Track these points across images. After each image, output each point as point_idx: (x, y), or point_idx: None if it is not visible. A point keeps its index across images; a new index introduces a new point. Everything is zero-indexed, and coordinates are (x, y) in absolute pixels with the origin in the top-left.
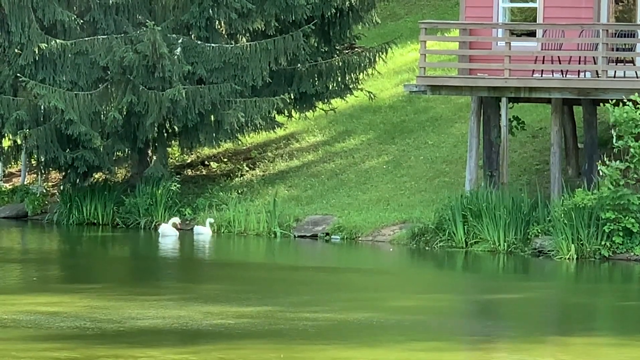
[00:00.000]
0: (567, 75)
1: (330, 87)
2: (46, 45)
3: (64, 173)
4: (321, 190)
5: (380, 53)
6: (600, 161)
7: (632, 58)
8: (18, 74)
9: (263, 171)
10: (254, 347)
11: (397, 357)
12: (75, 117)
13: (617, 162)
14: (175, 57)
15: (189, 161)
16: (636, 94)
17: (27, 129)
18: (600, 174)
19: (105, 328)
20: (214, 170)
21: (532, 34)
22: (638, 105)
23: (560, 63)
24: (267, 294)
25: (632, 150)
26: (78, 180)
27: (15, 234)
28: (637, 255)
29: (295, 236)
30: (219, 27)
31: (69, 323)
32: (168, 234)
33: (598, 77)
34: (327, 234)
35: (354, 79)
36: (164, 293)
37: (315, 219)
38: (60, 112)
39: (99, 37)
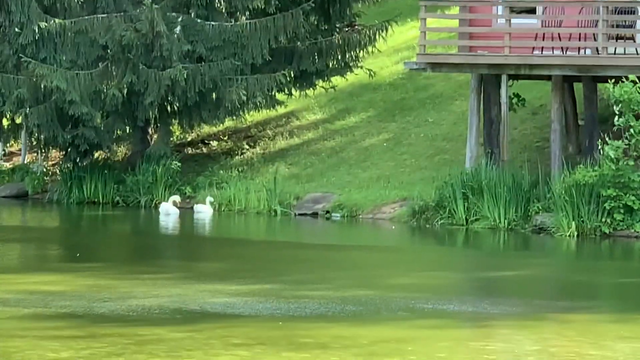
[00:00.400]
0: (567, 52)
1: (331, 65)
2: (46, 24)
3: (64, 152)
4: (321, 168)
5: (380, 31)
6: (600, 139)
7: (632, 35)
8: (20, 54)
9: (263, 149)
10: (257, 325)
11: (400, 335)
12: (77, 97)
13: (619, 141)
14: (175, 35)
15: (189, 140)
16: (634, 75)
17: (28, 107)
18: (601, 152)
19: (108, 307)
20: (214, 148)
21: (532, 11)
22: (638, 85)
23: (560, 40)
24: (268, 272)
25: (632, 128)
26: (78, 158)
27: (16, 213)
28: (638, 232)
29: (295, 214)
30: (218, 5)
31: (72, 302)
32: (169, 213)
33: (598, 54)
34: (328, 211)
35: (354, 57)
36: (165, 271)
37: (316, 196)
38: (62, 91)
39: (98, 15)
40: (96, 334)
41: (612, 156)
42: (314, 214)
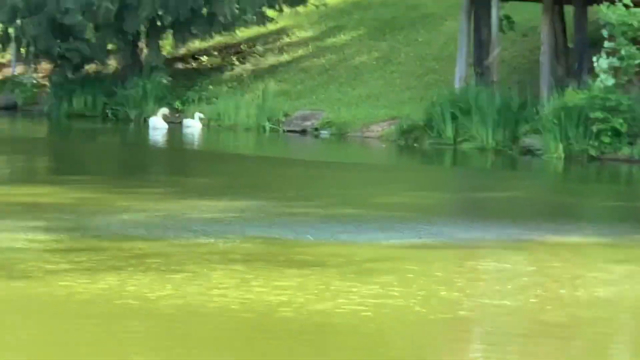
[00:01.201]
0: None
1: None
2: None
3: (54, 64)
4: (311, 85)
5: None
6: (592, 59)
7: None
8: None
9: (253, 65)
10: (256, 241)
11: (394, 254)
12: (72, 5)
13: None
14: None
15: (179, 55)
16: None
17: (22, 18)
18: (595, 67)
19: (105, 220)
20: (204, 63)
21: None
22: (630, 8)
23: None
24: (260, 189)
25: (623, 51)
26: (70, 71)
27: (5, 124)
28: (625, 155)
29: (284, 131)
30: None
31: (68, 215)
32: (158, 127)
33: None
34: (316, 129)
35: None
36: (154, 186)
37: (305, 114)
38: (56, 1)
39: None
40: (96, 247)
41: (606, 67)
42: (303, 131)
